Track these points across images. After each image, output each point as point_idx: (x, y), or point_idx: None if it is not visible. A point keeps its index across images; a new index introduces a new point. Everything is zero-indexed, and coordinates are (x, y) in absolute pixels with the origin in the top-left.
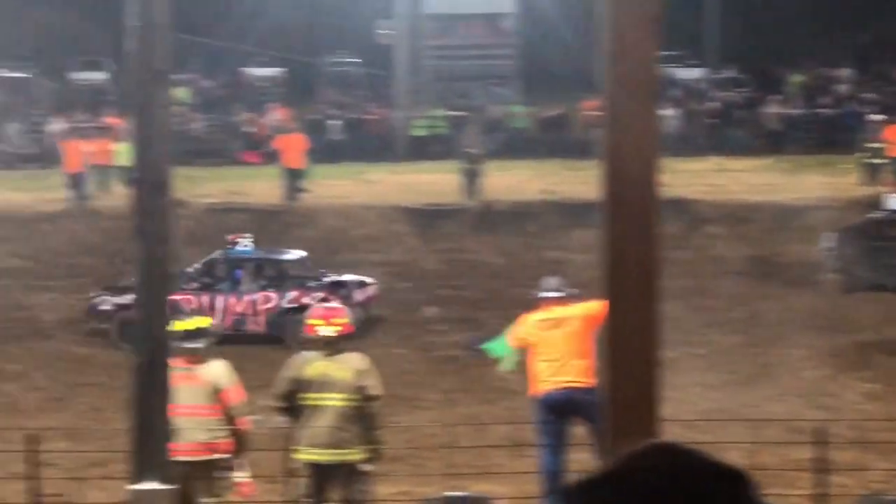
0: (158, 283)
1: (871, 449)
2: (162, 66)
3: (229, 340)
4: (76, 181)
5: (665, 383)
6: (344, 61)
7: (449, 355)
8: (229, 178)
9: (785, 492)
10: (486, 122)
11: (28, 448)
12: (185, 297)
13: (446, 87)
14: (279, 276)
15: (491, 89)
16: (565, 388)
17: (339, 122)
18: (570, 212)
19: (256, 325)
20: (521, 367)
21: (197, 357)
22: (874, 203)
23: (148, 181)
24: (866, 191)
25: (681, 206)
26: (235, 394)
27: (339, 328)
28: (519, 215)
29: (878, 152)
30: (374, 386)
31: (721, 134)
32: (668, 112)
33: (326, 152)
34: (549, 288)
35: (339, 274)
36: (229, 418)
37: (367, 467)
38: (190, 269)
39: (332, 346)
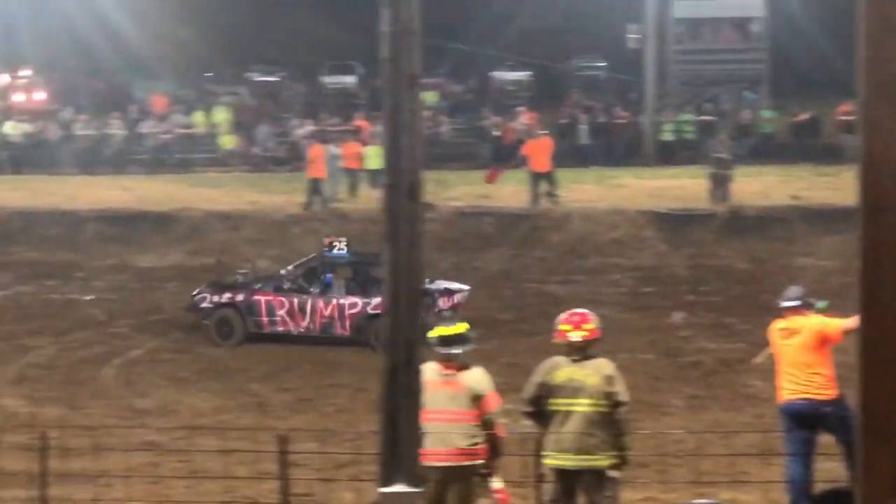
0: (409, 288)
1: None
2: (413, 71)
3: (318, 343)
4: (318, 185)
5: None
6: (592, 65)
7: (695, 361)
8: (477, 181)
9: None
10: (735, 127)
11: (278, 448)
12: (277, 298)
13: (694, 92)
14: (369, 281)
15: (740, 93)
16: (805, 399)
17: (587, 127)
18: (819, 218)
19: (343, 330)
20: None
21: (456, 363)
22: None
23: (398, 185)
24: None
25: None
26: (493, 400)
27: (587, 333)
28: (767, 221)
29: None
30: (621, 391)
31: None
32: None
33: (574, 156)
34: (790, 297)
35: (431, 281)
36: (486, 424)
37: (614, 473)
38: (284, 272)
39: (580, 352)
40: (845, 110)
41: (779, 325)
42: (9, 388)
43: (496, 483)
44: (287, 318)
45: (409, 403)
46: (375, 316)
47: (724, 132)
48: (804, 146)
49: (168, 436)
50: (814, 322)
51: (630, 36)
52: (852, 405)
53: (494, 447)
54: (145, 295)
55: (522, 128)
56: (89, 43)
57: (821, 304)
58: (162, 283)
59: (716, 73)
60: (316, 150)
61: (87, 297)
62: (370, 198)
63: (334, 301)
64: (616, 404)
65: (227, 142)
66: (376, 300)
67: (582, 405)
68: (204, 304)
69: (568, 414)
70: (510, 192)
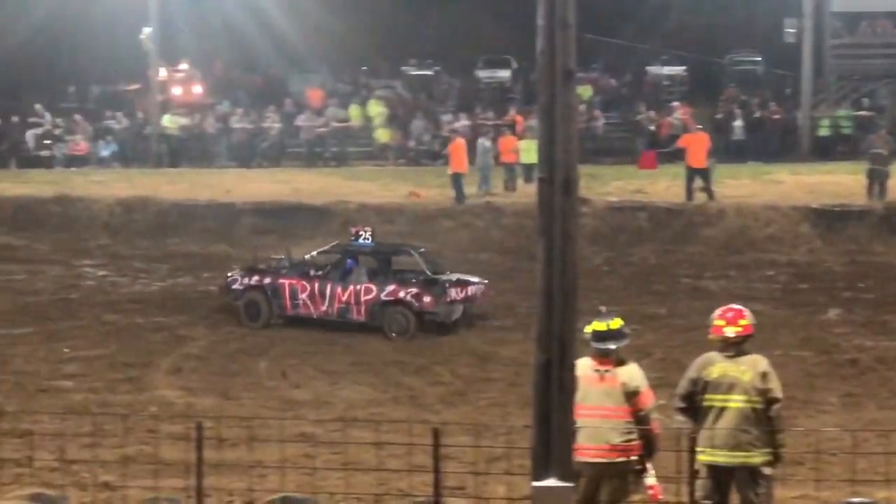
0: (562, 283)
1: None
2: (568, 65)
3: (335, 327)
4: (459, 179)
5: None
6: (748, 60)
7: (851, 358)
8: (631, 176)
9: None
10: (894, 123)
11: (432, 441)
12: (300, 283)
13: (851, 87)
14: (388, 270)
15: None
16: None
17: (742, 122)
18: None
19: (359, 315)
20: None
21: (611, 359)
22: None
23: (553, 180)
24: None
25: None
26: (648, 396)
27: (742, 329)
28: None
29: None
30: (775, 388)
31: None
32: None
33: (729, 152)
34: None
35: (446, 273)
36: (640, 420)
37: (768, 470)
38: (307, 257)
39: (734, 347)
40: None
41: None
42: (165, 379)
43: (650, 479)
44: (308, 302)
45: (562, 399)
46: (388, 303)
47: (883, 128)
48: None
49: (322, 427)
50: None
51: (787, 30)
52: None
53: (648, 444)
54: None
55: (677, 122)
56: (246, 37)
57: None
58: None
59: (874, 67)
60: (457, 144)
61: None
62: (526, 192)
63: (351, 287)
64: (770, 401)
65: (382, 135)
66: (390, 287)
67: (736, 401)
68: (235, 287)
69: (722, 410)
70: (664, 187)
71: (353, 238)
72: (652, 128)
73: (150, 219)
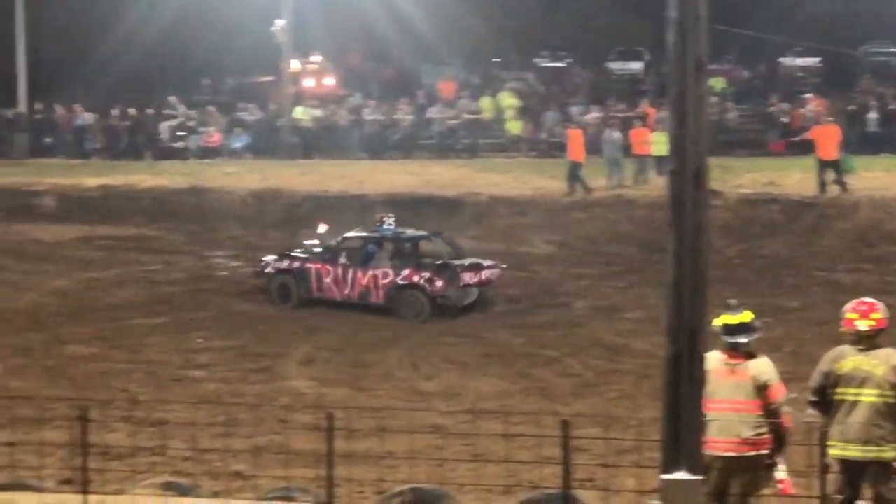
0: (693, 275)
1: None
2: (699, 57)
3: (358, 309)
4: (576, 169)
5: None
6: (883, 51)
7: None
8: (764, 168)
9: None
10: None
11: (561, 433)
12: (325, 267)
13: None
14: (409, 255)
15: None
16: None
17: (877, 114)
18: None
19: (377, 298)
20: None
21: (742, 352)
22: None
23: (684, 172)
24: None
25: None
26: (779, 390)
27: (875, 322)
28: None
29: None
30: None
31: None
32: None
33: (864, 143)
34: None
35: (462, 258)
36: (771, 414)
37: None
38: (333, 242)
39: (867, 341)
40: None
41: None
42: (297, 369)
43: (780, 473)
44: (332, 286)
45: (692, 392)
46: (403, 286)
47: None
48: None
49: (452, 419)
50: None
51: None
52: None
53: (779, 437)
54: None
55: (810, 114)
56: (378, 29)
57: None
58: None
59: None
60: (574, 134)
61: None
62: (657, 184)
63: (370, 272)
64: None
65: (514, 127)
66: (406, 272)
67: (869, 395)
68: (267, 270)
69: (854, 404)
70: (797, 179)
71: (377, 224)
72: (785, 119)
73: (282, 210)
